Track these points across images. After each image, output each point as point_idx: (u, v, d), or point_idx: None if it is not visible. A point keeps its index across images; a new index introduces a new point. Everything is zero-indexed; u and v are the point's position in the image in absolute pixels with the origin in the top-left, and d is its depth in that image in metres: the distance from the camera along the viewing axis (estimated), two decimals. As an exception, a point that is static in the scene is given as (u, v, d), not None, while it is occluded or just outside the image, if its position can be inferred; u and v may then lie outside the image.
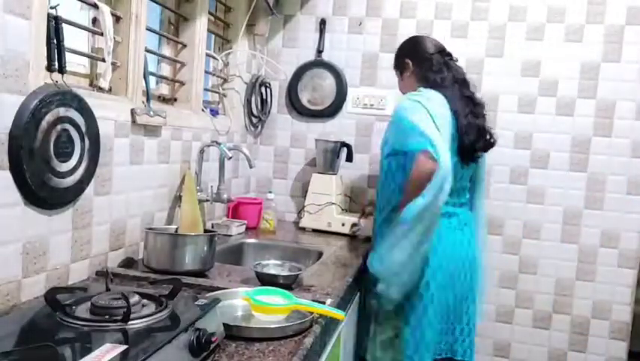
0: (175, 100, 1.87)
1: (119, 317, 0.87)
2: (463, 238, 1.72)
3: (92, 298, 0.92)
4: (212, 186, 1.92)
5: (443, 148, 1.49)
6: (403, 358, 1.67)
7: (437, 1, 2.33)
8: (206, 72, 2.01)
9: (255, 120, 2.41)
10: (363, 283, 1.87)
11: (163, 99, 1.82)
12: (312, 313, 1.11)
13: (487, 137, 1.73)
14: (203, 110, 1.95)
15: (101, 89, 1.37)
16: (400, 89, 1.92)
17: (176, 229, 1.54)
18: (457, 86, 1.70)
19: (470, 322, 1.73)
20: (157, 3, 1.70)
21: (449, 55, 1.79)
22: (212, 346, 0.91)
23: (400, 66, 1.86)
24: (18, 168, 1.03)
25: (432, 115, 1.55)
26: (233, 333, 1.00)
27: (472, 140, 1.66)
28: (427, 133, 1.50)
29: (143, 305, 0.94)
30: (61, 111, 1.12)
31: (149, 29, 1.55)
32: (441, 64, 1.74)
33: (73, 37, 1.29)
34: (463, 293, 1.71)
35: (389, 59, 2.37)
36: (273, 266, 1.44)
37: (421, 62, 1.76)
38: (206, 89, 2.06)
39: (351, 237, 2.19)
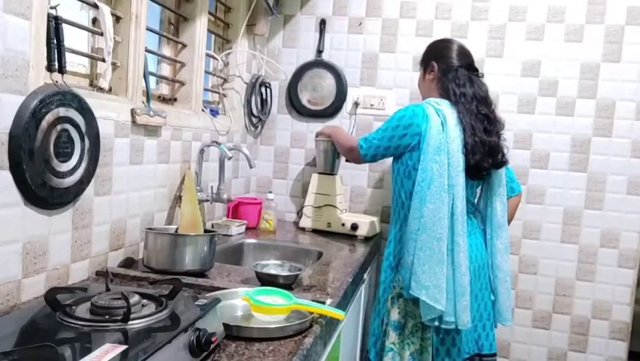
0: (175, 100, 1.87)
1: (119, 317, 0.87)
2: (470, 242, 1.71)
3: (92, 298, 0.92)
4: (212, 186, 1.92)
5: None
6: None
7: (437, 1, 2.33)
8: (206, 72, 2.00)
9: (255, 120, 2.41)
10: (381, 292, 1.78)
11: (163, 99, 1.82)
12: (312, 313, 1.11)
13: (499, 156, 1.72)
14: (203, 110, 1.95)
15: (101, 89, 1.37)
16: (418, 85, 1.92)
17: (176, 229, 1.54)
18: (475, 103, 1.70)
19: (491, 317, 1.78)
20: (157, 3, 1.70)
21: (476, 70, 1.79)
22: (212, 346, 0.91)
23: (425, 64, 1.85)
24: (18, 168, 1.03)
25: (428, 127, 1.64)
26: (233, 333, 1.00)
27: (478, 159, 1.66)
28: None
29: (143, 305, 0.94)
30: (61, 111, 1.12)
31: (149, 29, 1.55)
32: (465, 78, 1.73)
33: (73, 37, 1.29)
34: (475, 293, 1.71)
35: (389, 59, 2.40)
36: (273, 266, 1.44)
37: (447, 71, 1.76)
38: (206, 89, 2.05)
39: (351, 237, 2.19)
